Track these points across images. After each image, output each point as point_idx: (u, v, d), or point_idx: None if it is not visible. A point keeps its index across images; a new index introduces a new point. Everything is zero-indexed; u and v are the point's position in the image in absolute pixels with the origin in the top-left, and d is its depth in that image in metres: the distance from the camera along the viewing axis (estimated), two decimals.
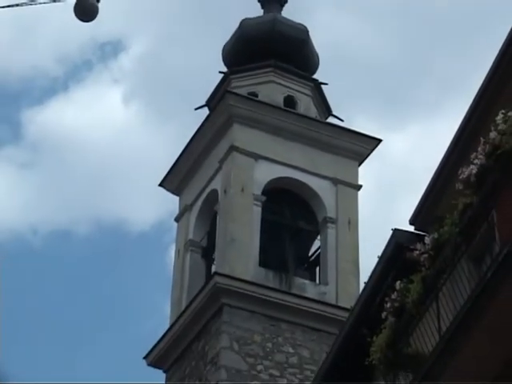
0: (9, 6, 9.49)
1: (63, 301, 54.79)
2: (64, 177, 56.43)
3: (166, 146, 52.52)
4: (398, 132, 54.25)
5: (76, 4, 8.80)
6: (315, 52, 28.54)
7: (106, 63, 64.19)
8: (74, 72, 65.54)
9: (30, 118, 61.66)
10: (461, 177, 11.86)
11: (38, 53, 58.18)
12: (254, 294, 22.75)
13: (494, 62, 13.00)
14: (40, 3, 9.03)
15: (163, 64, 52.55)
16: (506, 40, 12.71)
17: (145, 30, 57.38)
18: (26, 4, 9.19)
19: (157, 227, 51.26)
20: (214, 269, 24.32)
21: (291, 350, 22.58)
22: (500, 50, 12.85)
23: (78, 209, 57.36)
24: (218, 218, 24.93)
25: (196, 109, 27.90)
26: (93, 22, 9.21)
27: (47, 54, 60.95)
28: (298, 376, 22.19)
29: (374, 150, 26.19)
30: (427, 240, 12.63)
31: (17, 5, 9.43)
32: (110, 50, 68.12)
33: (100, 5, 8.85)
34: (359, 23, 53.76)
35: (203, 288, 23.36)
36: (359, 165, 26.11)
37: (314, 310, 23.00)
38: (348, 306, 19.09)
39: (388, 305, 13.17)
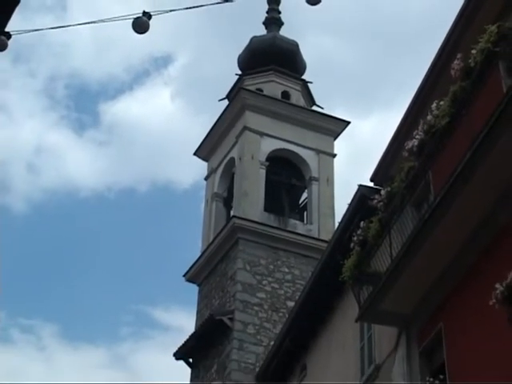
0: (89, 23, 9.38)
1: (129, 239, 55.65)
2: (130, 151, 57.08)
3: (200, 127, 53.04)
4: (364, 118, 54.39)
5: (133, 21, 8.83)
6: (303, 60, 28.42)
7: (159, 71, 64.04)
8: (137, 77, 65.60)
9: (105, 110, 61.81)
10: (406, 147, 11.84)
11: (112, 63, 58.74)
12: (260, 231, 22.80)
13: (428, 69, 12.98)
14: (113, 20, 8.95)
15: (198, 71, 52.74)
16: (437, 53, 12.69)
17: (185, 48, 57.67)
18: (101, 21, 9.09)
19: (194, 185, 51.70)
20: (232, 213, 24.36)
21: (287, 270, 22.63)
22: (433, 60, 12.84)
23: (140, 173, 57.91)
24: (234, 177, 24.94)
25: (219, 100, 27.86)
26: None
27: (118, 65, 61.28)
28: (292, 288, 22.27)
29: (344, 129, 26.11)
30: (383, 192, 12.61)
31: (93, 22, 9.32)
32: (161, 61, 68.08)
33: (151, 22, 8.87)
34: (336, 40, 54.06)
35: (224, 227, 23.42)
36: (334, 139, 26.04)
37: (303, 242, 23.04)
38: (327, 239, 19.13)
39: (355, 238, 13.16)
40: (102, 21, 8.90)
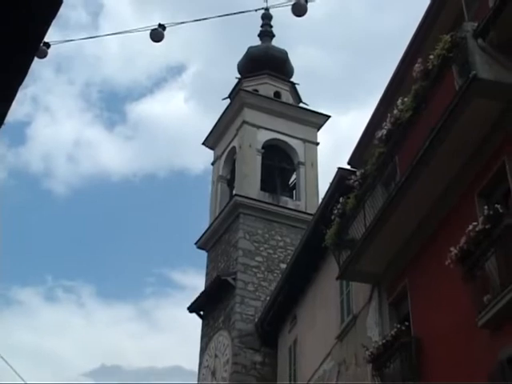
0: (115, 34, 9.39)
1: (151, 215, 55.91)
2: (151, 144, 57.22)
3: (208, 123, 53.04)
4: (342, 114, 54.26)
5: (151, 32, 8.91)
6: (292, 65, 28.30)
7: (174, 78, 63.69)
8: (157, 83, 65.25)
9: (131, 110, 61.64)
10: (377, 136, 11.85)
11: (136, 72, 58.79)
12: (257, 206, 22.78)
13: (394, 71, 12.97)
14: (135, 31, 8.95)
15: (206, 77, 52.56)
16: (401, 58, 12.67)
17: (196, 59, 57.44)
18: (129, 31, 9.12)
19: (204, 171, 51.74)
20: (234, 192, 24.34)
21: (279, 238, 22.64)
22: (398, 64, 12.82)
23: (160, 161, 57.94)
24: (236, 162, 24.90)
25: (222, 99, 27.71)
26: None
27: (141, 73, 61.08)
28: (284, 253, 22.27)
29: (325, 122, 25.96)
30: (358, 173, 12.64)
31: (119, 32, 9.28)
32: (176, 70, 67.30)
33: (166, 34, 8.95)
34: (319, 49, 53.90)
35: (228, 203, 23.41)
36: (318, 131, 25.94)
37: (293, 215, 23.02)
38: (312, 213, 19.14)
39: (335, 211, 13.20)
40: (127, 32, 8.94)
